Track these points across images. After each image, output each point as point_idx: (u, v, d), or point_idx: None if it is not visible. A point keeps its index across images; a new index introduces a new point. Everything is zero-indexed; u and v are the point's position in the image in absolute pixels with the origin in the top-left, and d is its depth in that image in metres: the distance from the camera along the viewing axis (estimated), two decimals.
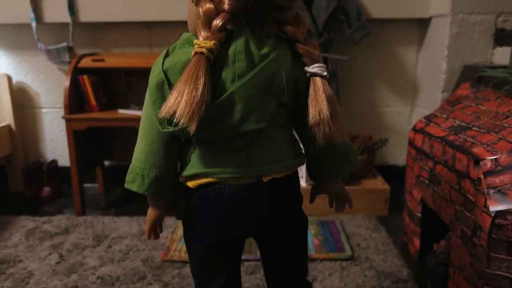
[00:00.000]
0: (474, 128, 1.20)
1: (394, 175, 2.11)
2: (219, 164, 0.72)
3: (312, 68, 0.71)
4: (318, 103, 0.69)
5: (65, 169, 2.10)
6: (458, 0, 1.80)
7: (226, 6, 0.66)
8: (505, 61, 1.68)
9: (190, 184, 0.75)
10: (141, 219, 1.83)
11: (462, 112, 1.36)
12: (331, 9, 1.90)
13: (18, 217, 1.86)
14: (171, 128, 0.68)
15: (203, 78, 0.63)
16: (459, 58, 1.85)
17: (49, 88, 2.23)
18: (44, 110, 2.26)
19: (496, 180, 0.99)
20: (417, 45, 2.15)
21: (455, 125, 1.31)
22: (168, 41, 1.84)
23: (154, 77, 0.70)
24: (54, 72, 2.20)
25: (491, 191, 0.98)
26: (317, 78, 0.71)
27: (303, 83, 0.73)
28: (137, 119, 1.78)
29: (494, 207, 0.96)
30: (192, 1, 0.71)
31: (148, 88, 0.72)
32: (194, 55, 0.65)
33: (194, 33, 0.72)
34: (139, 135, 0.75)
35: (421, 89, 2.15)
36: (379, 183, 1.95)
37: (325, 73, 0.71)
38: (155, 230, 0.83)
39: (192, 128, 0.62)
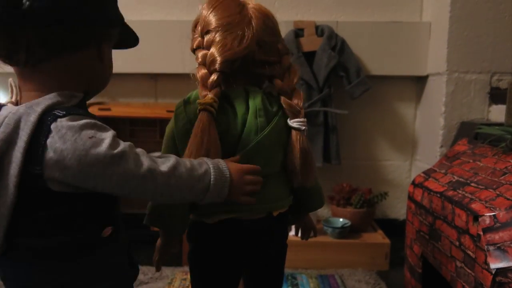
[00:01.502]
0: (473, 184, 1.22)
1: (394, 229, 2.10)
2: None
3: (292, 123, 0.84)
4: (293, 154, 0.84)
5: None
6: (454, 60, 1.88)
7: (216, 67, 0.80)
8: (501, 119, 1.72)
9: (209, 220, 0.84)
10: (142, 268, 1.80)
11: (460, 168, 1.38)
12: (331, 65, 1.97)
13: None
14: None
15: (206, 138, 0.77)
16: (456, 115, 1.90)
17: None
18: None
19: (496, 236, 1.00)
20: (415, 101, 2.21)
21: (454, 180, 1.32)
22: (173, 92, 1.90)
23: (182, 125, 0.82)
24: None
25: (491, 247, 0.98)
26: (294, 132, 0.84)
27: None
28: None
29: (494, 265, 0.96)
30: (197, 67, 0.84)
31: (169, 135, 0.84)
32: (198, 112, 0.78)
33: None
34: None
35: (420, 144, 2.19)
36: (379, 237, 1.94)
37: (303, 128, 0.84)
38: (162, 260, 0.93)
39: None
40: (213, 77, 0.79)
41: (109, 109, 1.97)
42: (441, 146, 1.91)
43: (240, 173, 0.74)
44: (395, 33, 2.08)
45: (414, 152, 2.24)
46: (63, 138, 0.58)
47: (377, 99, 2.20)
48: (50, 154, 0.58)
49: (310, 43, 2.02)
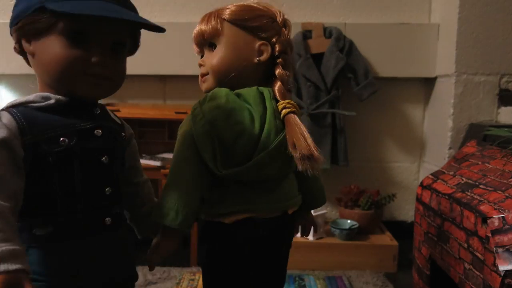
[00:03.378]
0: (481, 186, 1.21)
1: (402, 231, 2.09)
2: (257, 201, 0.84)
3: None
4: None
5: None
6: (462, 61, 1.87)
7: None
8: (510, 120, 1.72)
9: (226, 220, 0.84)
10: (145, 269, 1.81)
11: (468, 170, 1.37)
12: (339, 67, 1.97)
13: None
14: (224, 171, 0.81)
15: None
16: (464, 117, 1.89)
17: None
18: None
19: (505, 238, 0.99)
20: (423, 102, 2.21)
21: (462, 182, 1.32)
22: (182, 94, 1.91)
23: (201, 127, 0.80)
24: None
25: (500, 250, 0.98)
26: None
27: None
28: (148, 168, 1.83)
29: (503, 267, 0.95)
30: (258, 60, 0.86)
31: (187, 135, 0.82)
32: (287, 113, 0.82)
33: (224, 75, 0.86)
34: (172, 175, 0.83)
35: (428, 145, 2.18)
36: (387, 239, 1.94)
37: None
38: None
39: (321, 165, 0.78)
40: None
41: (118, 110, 1.99)
42: (450, 148, 1.90)
43: None
44: (403, 34, 2.07)
45: (422, 154, 2.23)
46: None
47: (385, 101, 2.20)
48: None
49: (318, 44, 2.02)
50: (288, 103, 0.84)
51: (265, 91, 0.84)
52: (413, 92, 2.20)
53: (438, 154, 2.02)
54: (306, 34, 2.04)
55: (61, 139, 0.69)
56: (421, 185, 1.53)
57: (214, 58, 0.87)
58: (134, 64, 2.18)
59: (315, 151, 0.77)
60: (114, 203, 0.78)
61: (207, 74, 0.88)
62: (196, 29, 0.91)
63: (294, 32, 2.01)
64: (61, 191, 0.70)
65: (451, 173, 1.44)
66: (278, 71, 0.87)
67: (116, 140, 0.79)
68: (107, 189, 0.76)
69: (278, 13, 0.89)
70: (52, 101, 0.71)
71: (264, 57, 0.86)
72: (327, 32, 2.03)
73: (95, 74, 0.71)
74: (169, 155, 1.98)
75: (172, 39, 2.08)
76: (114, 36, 0.74)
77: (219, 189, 0.84)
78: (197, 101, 0.84)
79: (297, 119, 0.82)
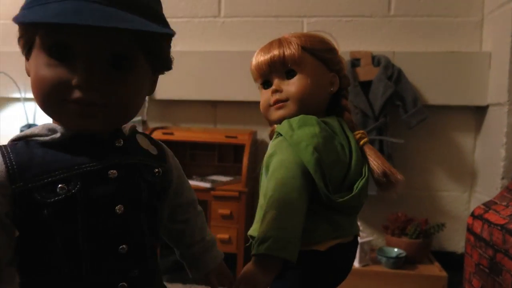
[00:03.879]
0: None
1: (452, 262, 2.04)
2: (344, 226, 0.86)
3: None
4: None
5: None
6: None
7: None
8: None
9: (321, 247, 0.83)
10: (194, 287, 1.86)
11: None
12: (387, 94, 1.99)
13: None
14: (340, 199, 0.81)
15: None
16: None
17: None
18: None
19: None
20: (474, 131, 2.17)
21: None
22: (232, 119, 2.01)
23: (310, 154, 0.78)
24: None
25: None
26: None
27: None
28: (199, 190, 1.91)
29: None
30: (332, 90, 0.92)
31: (293, 164, 0.79)
32: (364, 144, 0.90)
33: (305, 105, 0.89)
34: (281, 205, 0.77)
35: (480, 175, 2.13)
36: (436, 270, 1.89)
37: None
38: None
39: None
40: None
41: (172, 133, 2.10)
42: (502, 178, 1.85)
43: None
44: (453, 63, 2.07)
45: (474, 183, 2.18)
46: None
47: (435, 129, 2.18)
48: None
49: (366, 72, 2.05)
50: (362, 133, 0.91)
51: (342, 121, 0.91)
52: (464, 120, 2.17)
53: (490, 184, 1.97)
54: (355, 63, 2.08)
55: (60, 185, 0.55)
56: (472, 215, 1.50)
57: (296, 85, 0.88)
58: (188, 90, 2.32)
59: (399, 175, 0.86)
60: (133, 264, 0.62)
61: (285, 100, 0.88)
62: (269, 55, 0.90)
63: None
64: (62, 250, 0.56)
65: (504, 203, 1.41)
66: (344, 102, 0.94)
67: (143, 182, 0.63)
68: (121, 247, 0.60)
69: (337, 49, 0.94)
70: (58, 134, 0.58)
71: (334, 88, 0.92)
72: (376, 60, 2.07)
73: (79, 101, 0.54)
74: (219, 177, 2.05)
75: (223, 67, 2.18)
76: (111, 48, 0.56)
77: (313, 218, 0.81)
78: (284, 126, 0.84)
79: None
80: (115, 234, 0.60)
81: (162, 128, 2.21)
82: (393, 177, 0.86)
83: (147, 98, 2.25)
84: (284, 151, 0.81)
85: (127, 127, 0.67)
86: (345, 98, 0.94)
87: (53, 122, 0.61)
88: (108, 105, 0.56)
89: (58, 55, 0.54)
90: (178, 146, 2.26)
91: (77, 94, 0.54)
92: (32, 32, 0.56)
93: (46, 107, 0.57)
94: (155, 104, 2.32)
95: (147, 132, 2.10)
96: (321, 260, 0.83)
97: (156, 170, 0.66)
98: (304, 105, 0.87)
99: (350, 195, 0.82)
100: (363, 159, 0.88)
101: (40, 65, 0.55)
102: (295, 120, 0.84)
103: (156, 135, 2.09)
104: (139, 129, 2.24)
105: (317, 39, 0.91)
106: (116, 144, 0.62)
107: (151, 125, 2.30)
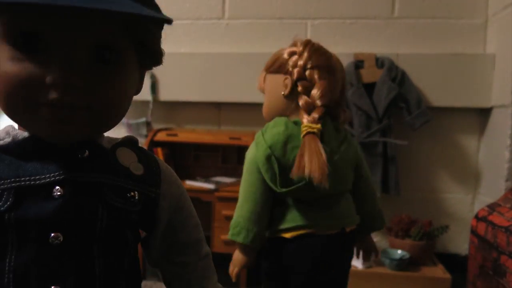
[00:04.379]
0: None
1: (456, 264, 2.03)
2: (315, 217, 0.94)
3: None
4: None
5: None
6: None
7: (319, 103, 0.95)
8: None
9: (287, 235, 0.95)
10: None
11: None
12: (391, 96, 1.99)
13: None
14: (284, 189, 0.93)
15: (323, 149, 0.89)
16: None
17: None
18: None
19: None
20: (478, 133, 2.16)
21: None
22: (236, 120, 2.08)
23: (262, 151, 0.93)
24: None
25: None
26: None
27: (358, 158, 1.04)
28: (202, 191, 1.92)
29: None
30: (283, 94, 0.97)
31: (251, 161, 0.94)
32: (306, 134, 0.91)
33: (271, 116, 1.01)
34: (242, 197, 0.97)
35: (484, 177, 2.12)
36: (439, 272, 1.89)
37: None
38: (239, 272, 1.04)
39: (324, 184, 0.86)
40: (319, 111, 0.95)
41: (176, 135, 2.10)
42: (507, 180, 1.85)
43: None
44: (457, 65, 2.07)
45: (478, 185, 2.17)
46: None
47: (438, 131, 2.17)
48: None
49: (370, 74, 2.05)
50: (309, 126, 0.96)
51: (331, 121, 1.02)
52: (468, 122, 2.17)
53: (494, 186, 1.97)
54: (358, 64, 2.08)
55: None
56: (476, 217, 1.50)
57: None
58: (192, 92, 2.33)
59: (317, 174, 0.90)
60: None
61: None
62: None
63: (346, 62, 2.06)
64: None
65: (508, 205, 1.41)
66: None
67: (103, 206, 0.48)
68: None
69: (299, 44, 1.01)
70: (9, 139, 0.48)
71: (286, 92, 0.99)
72: (379, 62, 2.07)
73: (53, 104, 0.43)
74: (223, 179, 2.06)
75: (227, 68, 2.19)
76: (95, 37, 0.44)
77: (281, 208, 0.96)
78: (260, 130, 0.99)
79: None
80: (48, 271, 0.44)
81: (166, 129, 2.21)
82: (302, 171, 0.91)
83: (151, 99, 2.28)
84: (250, 150, 0.97)
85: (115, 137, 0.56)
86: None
87: (18, 127, 0.50)
88: (90, 108, 0.45)
89: (27, 46, 0.42)
90: (182, 147, 2.27)
91: (51, 95, 0.42)
92: None
93: (12, 112, 0.45)
94: (159, 106, 2.33)
95: (151, 133, 2.10)
96: (288, 247, 0.95)
97: (131, 193, 0.50)
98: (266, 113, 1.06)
99: (295, 186, 0.92)
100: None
101: (2, 59, 0.43)
102: (269, 123, 0.99)
103: (160, 136, 2.10)
104: (143, 131, 2.26)
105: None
106: (79, 156, 0.48)
107: (155, 126, 2.30)
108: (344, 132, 1.01)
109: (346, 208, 0.99)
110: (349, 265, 1.03)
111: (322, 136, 0.93)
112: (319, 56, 0.97)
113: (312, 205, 0.95)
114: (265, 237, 0.98)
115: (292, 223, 0.94)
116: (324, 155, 0.87)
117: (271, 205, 0.96)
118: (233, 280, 1.01)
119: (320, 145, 0.89)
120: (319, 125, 0.92)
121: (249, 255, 0.99)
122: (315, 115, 0.94)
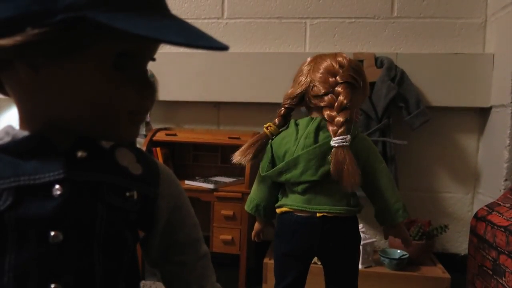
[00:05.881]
0: None
1: (455, 264, 2.04)
2: (291, 199, 1.18)
3: (332, 142, 1.09)
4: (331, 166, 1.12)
5: None
6: None
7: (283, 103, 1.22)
8: None
9: (278, 211, 1.23)
10: None
11: None
12: (390, 96, 1.99)
13: None
14: (263, 173, 1.21)
15: (256, 145, 1.20)
16: None
17: None
18: None
19: None
20: (477, 132, 2.16)
21: None
22: (235, 120, 2.17)
23: (269, 146, 1.22)
24: None
25: None
26: (334, 149, 1.09)
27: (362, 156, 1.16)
28: (201, 191, 1.91)
29: None
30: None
31: (265, 153, 1.24)
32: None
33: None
34: (255, 179, 1.28)
35: (483, 176, 2.12)
36: (439, 271, 1.89)
37: (337, 145, 1.08)
38: (258, 236, 1.36)
39: (246, 159, 1.20)
40: (280, 111, 1.23)
41: (175, 135, 2.10)
42: (506, 180, 1.85)
43: None
44: (456, 64, 2.07)
45: (477, 185, 2.18)
46: None
47: (438, 130, 2.17)
48: None
49: (369, 74, 2.03)
50: (268, 125, 1.22)
51: (313, 119, 1.18)
52: (467, 122, 2.17)
53: (493, 186, 1.97)
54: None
55: None
56: (476, 216, 1.50)
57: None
58: (191, 91, 2.33)
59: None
60: None
61: None
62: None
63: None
64: None
65: (507, 205, 1.41)
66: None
67: (102, 205, 0.49)
68: (53, 286, 0.45)
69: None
70: (8, 138, 0.48)
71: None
72: (379, 62, 2.07)
73: (140, 111, 0.50)
74: (222, 178, 2.06)
75: (226, 68, 2.19)
76: (152, 56, 0.51)
77: (281, 191, 1.24)
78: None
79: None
80: (46, 268, 0.45)
81: (165, 129, 2.21)
82: None
83: None
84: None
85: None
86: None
87: (22, 123, 0.51)
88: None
89: (118, 65, 0.46)
90: (181, 147, 2.27)
91: (141, 104, 0.49)
92: (94, 37, 0.43)
93: (102, 123, 0.48)
94: (158, 105, 2.32)
95: (151, 133, 2.10)
96: (278, 219, 1.23)
97: (130, 193, 0.52)
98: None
99: (271, 170, 1.18)
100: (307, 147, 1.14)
101: (97, 75, 0.45)
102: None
103: (160, 136, 2.10)
104: (142, 130, 2.26)
105: None
106: (79, 155, 0.49)
107: (155, 126, 2.30)
108: (327, 131, 1.13)
109: (321, 196, 1.14)
110: (343, 252, 1.18)
111: (297, 133, 1.17)
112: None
113: (292, 191, 1.18)
114: (268, 210, 1.24)
115: (280, 202, 1.21)
116: (255, 148, 1.20)
117: (271, 185, 1.22)
118: (257, 239, 1.36)
119: (259, 142, 1.21)
120: (272, 128, 1.21)
121: (258, 222, 1.32)
122: (279, 114, 1.24)
